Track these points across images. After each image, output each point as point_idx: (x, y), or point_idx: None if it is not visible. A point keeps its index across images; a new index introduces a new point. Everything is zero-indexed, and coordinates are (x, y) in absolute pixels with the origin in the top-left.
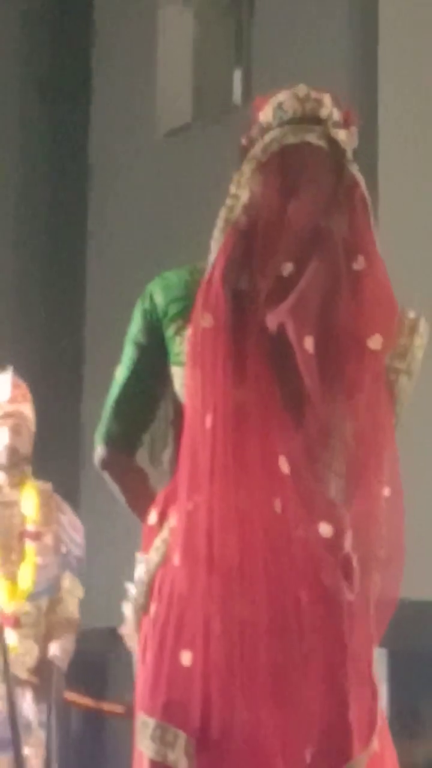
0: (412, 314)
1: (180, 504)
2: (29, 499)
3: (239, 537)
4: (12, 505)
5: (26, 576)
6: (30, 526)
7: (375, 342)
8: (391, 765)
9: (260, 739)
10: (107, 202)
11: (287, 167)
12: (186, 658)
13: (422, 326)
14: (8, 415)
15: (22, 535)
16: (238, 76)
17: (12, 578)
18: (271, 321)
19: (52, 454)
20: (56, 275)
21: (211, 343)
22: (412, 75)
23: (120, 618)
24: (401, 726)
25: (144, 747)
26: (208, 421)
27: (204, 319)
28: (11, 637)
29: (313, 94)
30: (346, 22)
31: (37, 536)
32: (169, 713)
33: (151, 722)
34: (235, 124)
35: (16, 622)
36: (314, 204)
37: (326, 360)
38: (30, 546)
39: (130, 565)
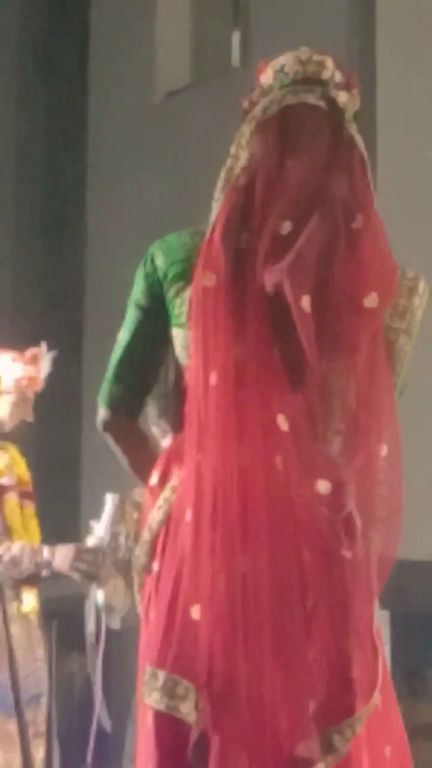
0: (411, 275)
1: (189, 461)
2: (17, 461)
3: (242, 493)
4: (10, 467)
5: (35, 540)
6: (27, 488)
7: (371, 300)
8: (395, 723)
9: (264, 692)
10: (106, 165)
11: (286, 127)
12: (196, 611)
13: (421, 287)
14: (34, 394)
15: (21, 496)
16: (236, 38)
17: (27, 541)
18: (269, 280)
19: (53, 418)
20: (56, 240)
21: (213, 302)
22: (411, 37)
23: None
24: (404, 686)
25: (153, 700)
26: (213, 378)
27: (206, 278)
28: (30, 599)
29: (315, 57)
30: None
31: (34, 497)
32: (181, 666)
33: (162, 675)
34: (234, 86)
35: (35, 583)
36: (313, 163)
37: (323, 319)
38: (30, 508)
39: None
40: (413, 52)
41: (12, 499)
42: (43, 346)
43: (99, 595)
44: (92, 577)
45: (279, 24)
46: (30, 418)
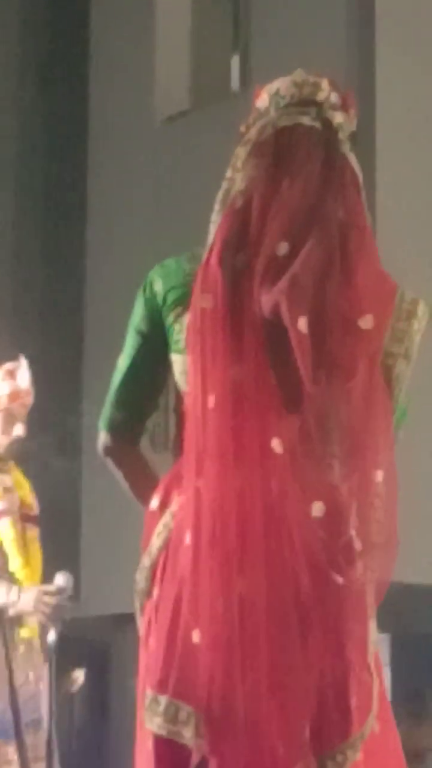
0: (410, 298)
1: (188, 485)
2: (21, 483)
3: (239, 517)
4: (11, 490)
5: (37, 563)
6: (30, 512)
7: (366, 322)
8: (393, 747)
9: (261, 716)
10: (106, 189)
11: (281, 149)
12: (196, 636)
13: (420, 310)
14: (23, 407)
15: (24, 519)
16: (236, 62)
17: (29, 564)
18: (266, 302)
19: (53, 441)
20: (55, 262)
21: (211, 324)
22: (410, 61)
23: (120, 605)
24: (404, 709)
25: (155, 725)
26: (211, 401)
27: (203, 300)
28: (32, 622)
29: (311, 79)
30: (344, 6)
31: (37, 521)
32: (182, 690)
33: (163, 699)
34: (233, 110)
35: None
36: (307, 184)
37: (320, 340)
38: (33, 530)
39: (132, 552)
40: (412, 75)
41: (5, 523)
42: (21, 359)
43: (52, 635)
44: (54, 618)
45: (278, 48)
46: (22, 432)
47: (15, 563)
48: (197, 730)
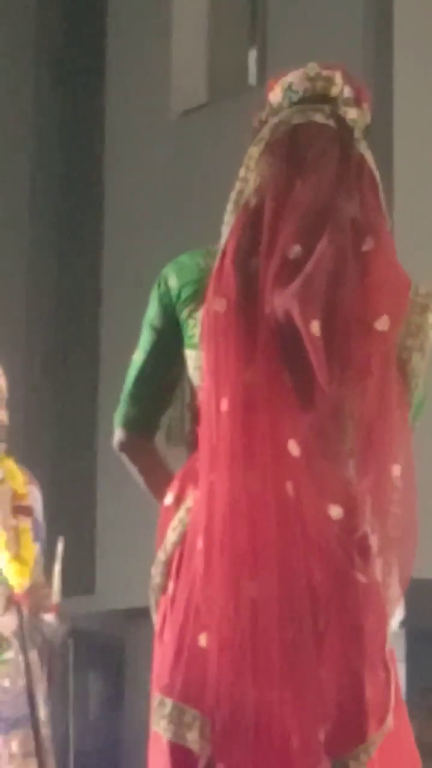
0: (424, 291)
1: (201, 486)
2: (13, 474)
3: (251, 520)
4: (2, 481)
5: (29, 554)
6: (22, 502)
7: (382, 323)
8: (407, 744)
9: (274, 719)
10: (122, 183)
11: (295, 148)
12: (203, 639)
13: None
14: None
15: (16, 511)
16: (252, 56)
17: (18, 557)
18: (278, 305)
19: (69, 437)
20: (72, 257)
21: (224, 327)
22: (428, 52)
23: (135, 599)
24: (420, 704)
25: (161, 728)
26: (224, 404)
27: (216, 303)
28: (8, 622)
29: (324, 73)
30: None
31: (30, 512)
32: (187, 694)
33: (169, 702)
34: (250, 104)
35: (22, 601)
36: (322, 185)
37: (334, 342)
38: (25, 522)
39: (146, 548)
40: (430, 67)
41: None
42: None
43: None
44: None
45: (295, 42)
46: (6, 419)
47: (1, 559)
48: (202, 734)
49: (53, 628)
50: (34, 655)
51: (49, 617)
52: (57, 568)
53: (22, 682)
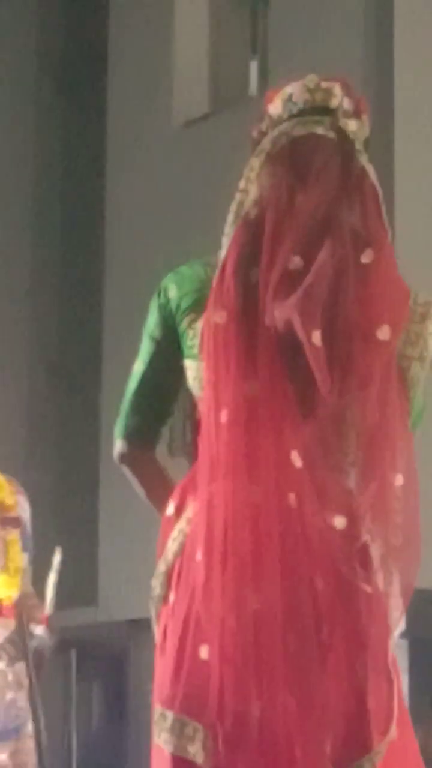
0: (423, 300)
1: (200, 496)
2: (0, 485)
3: (254, 531)
4: None
5: (16, 565)
6: (10, 513)
7: (384, 333)
8: (412, 754)
9: (278, 731)
10: (124, 193)
11: (295, 159)
12: (204, 651)
13: None
14: None
15: (3, 522)
16: (254, 66)
17: (6, 569)
18: (279, 316)
19: (71, 448)
20: (73, 266)
21: (224, 339)
22: (429, 63)
23: (137, 610)
24: (424, 715)
25: (162, 741)
26: (223, 416)
27: (216, 315)
28: (9, 625)
29: (323, 84)
30: (362, 10)
31: (18, 522)
32: (188, 706)
33: (170, 715)
34: (252, 115)
35: (9, 612)
36: (323, 196)
37: (335, 352)
38: (13, 533)
39: (149, 558)
40: (431, 80)
41: None
42: None
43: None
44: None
45: (297, 53)
46: None
47: None
48: (204, 747)
49: (43, 640)
50: (21, 667)
51: (39, 629)
52: (52, 578)
53: (10, 694)
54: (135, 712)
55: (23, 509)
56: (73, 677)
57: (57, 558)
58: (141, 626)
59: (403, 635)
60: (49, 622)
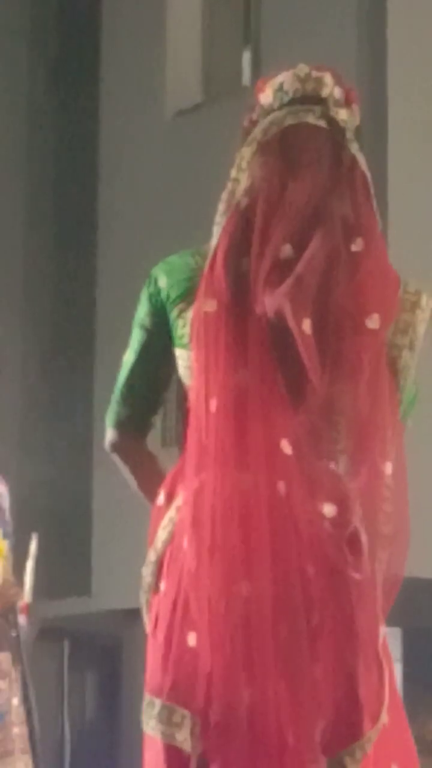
0: (413, 288)
1: (188, 485)
2: None
3: (243, 519)
4: None
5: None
6: None
7: (373, 321)
8: (403, 740)
9: (269, 718)
10: (117, 183)
11: (287, 148)
12: (192, 638)
13: (424, 300)
14: None
15: None
16: (247, 57)
17: None
18: (269, 305)
19: (65, 438)
20: (67, 256)
21: (214, 328)
22: (421, 55)
23: (131, 600)
24: (417, 703)
25: (150, 728)
26: (213, 405)
27: (207, 304)
28: None
29: (314, 74)
30: (355, 0)
31: None
32: (176, 694)
33: (158, 703)
34: (244, 105)
35: None
36: (314, 185)
37: (325, 341)
38: None
39: (142, 548)
40: (425, 71)
41: None
42: None
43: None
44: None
45: (289, 43)
46: None
47: None
48: (192, 734)
49: (23, 628)
50: (5, 656)
51: (20, 618)
52: (30, 565)
53: None
54: (128, 703)
55: (2, 496)
56: (66, 667)
57: (33, 545)
58: (134, 616)
59: (397, 624)
60: (29, 611)
